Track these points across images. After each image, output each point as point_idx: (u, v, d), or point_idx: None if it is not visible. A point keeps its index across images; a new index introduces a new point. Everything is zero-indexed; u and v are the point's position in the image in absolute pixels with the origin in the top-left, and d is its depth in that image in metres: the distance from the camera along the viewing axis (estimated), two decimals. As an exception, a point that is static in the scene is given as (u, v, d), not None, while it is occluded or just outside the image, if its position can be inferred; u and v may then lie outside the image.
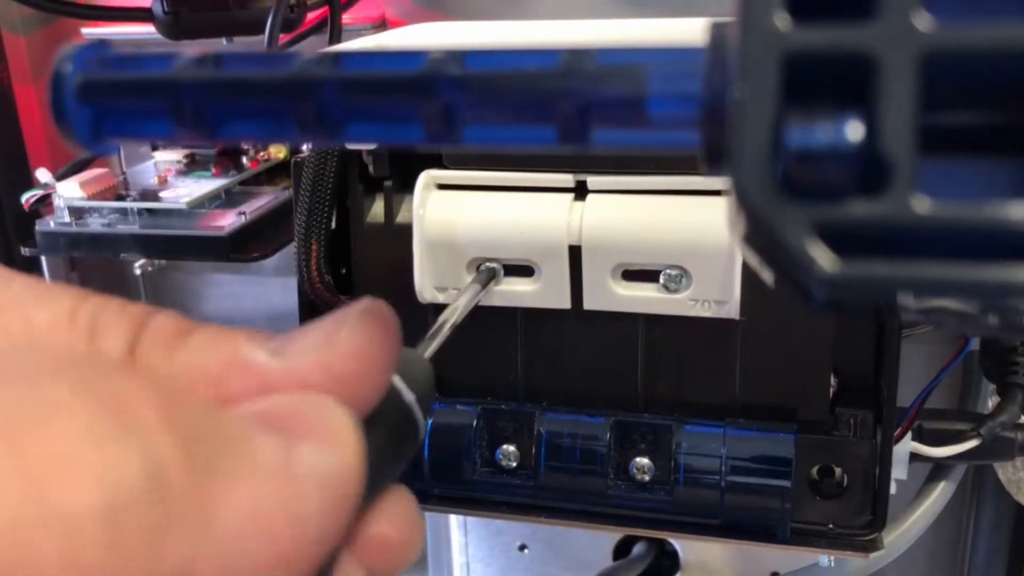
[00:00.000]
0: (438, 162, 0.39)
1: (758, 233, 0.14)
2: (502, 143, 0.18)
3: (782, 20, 0.13)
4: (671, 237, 0.36)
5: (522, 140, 0.18)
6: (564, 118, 0.17)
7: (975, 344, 0.46)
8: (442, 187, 0.38)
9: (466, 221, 0.37)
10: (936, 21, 0.13)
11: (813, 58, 0.13)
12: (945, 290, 0.13)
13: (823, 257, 0.13)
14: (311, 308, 0.41)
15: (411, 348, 0.25)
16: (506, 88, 0.17)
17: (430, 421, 0.39)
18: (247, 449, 0.14)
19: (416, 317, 0.39)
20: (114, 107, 0.19)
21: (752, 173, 0.13)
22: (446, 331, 0.30)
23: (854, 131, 0.13)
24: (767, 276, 0.15)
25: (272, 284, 0.67)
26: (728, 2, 0.15)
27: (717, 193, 0.36)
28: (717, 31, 0.15)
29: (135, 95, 0.19)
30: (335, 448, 0.15)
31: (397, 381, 0.22)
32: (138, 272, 0.64)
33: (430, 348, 0.28)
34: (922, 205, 0.13)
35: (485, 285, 0.37)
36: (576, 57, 0.17)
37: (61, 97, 0.18)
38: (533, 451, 0.39)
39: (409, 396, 0.22)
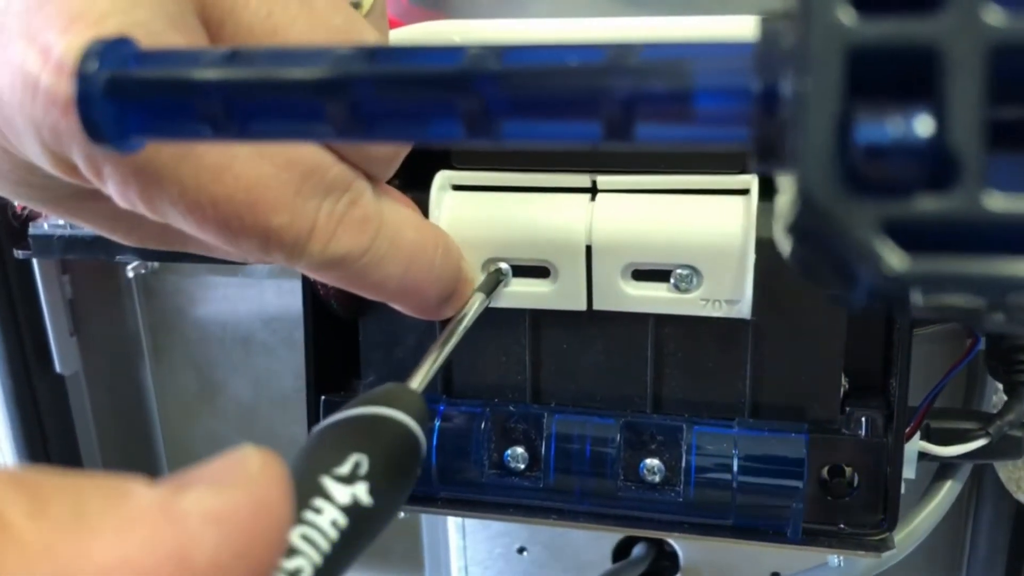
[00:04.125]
0: (445, 162, 0.38)
1: (823, 230, 0.13)
2: (543, 140, 0.17)
3: (846, 13, 0.13)
4: (682, 237, 0.35)
5: (564, 137, 0.17)
6: (608, 114, 0.16)
7: (983, 343, 0.46)
8: (457, 188, 0.38)
9: (482, 222, 0.37)
10: (1003, 13, 0.13)
11: (877, 52, 0.13)
12: (1017, 287, 0.13)
13: (891, 255, 0.13)
14: (319, 307, 0.40)
15: (402, 383, 0.26)
16: (548, 84, 0.17)
17: (437, 424, 0.39)
18: (118, 502, 0.15)
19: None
20: (141, 104, 0.18)
21: (817, 169, 0.13)
22: (442, 359, 0.30)
23: (924, 126, 0.13)
24: (794, 266, 0.15)
25: (267, 286, 0.66)
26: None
27: (729, 192, 0.36)
28: (768, 25, 0.15)
29: (163, 92, 0.18)
30: (227, 485, 0.15)
31: (397, 413, 0.22)
32: (131, 275, 0.63)
33: (424, 380, 0.28)
34: (993, 201, 0.13)
35: (490, 293, 0.36)
36: (620, 52, 0.16)
37: (88, 94, 0.18)
38: (542, 453, 0.38)
39: (411, 423, 0.22)
